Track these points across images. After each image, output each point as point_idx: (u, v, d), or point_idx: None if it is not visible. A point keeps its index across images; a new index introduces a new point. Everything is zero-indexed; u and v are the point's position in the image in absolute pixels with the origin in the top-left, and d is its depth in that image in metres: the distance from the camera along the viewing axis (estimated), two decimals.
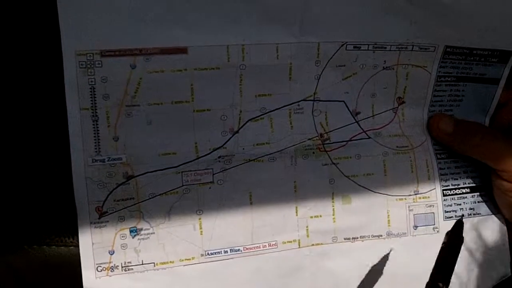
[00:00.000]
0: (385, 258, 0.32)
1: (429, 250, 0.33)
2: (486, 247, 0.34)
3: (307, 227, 0.32)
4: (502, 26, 0.32)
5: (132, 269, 0.29)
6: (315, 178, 0.32)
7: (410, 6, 0.30)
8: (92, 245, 0.28)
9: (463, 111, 0.34)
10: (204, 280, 0.30)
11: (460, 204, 0.34)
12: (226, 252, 0.30)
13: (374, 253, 0.32)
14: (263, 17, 0.28)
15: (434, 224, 0.33)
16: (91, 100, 0.27)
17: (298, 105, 0.31)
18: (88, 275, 0.28)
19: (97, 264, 0.28)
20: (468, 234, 0.34)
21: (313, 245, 0.32)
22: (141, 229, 0.29)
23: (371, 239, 0.32)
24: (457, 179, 0.34)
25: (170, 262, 0.29)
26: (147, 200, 0.29)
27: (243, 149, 0.30)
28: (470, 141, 0.32)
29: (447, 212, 0.34)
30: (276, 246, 0.31)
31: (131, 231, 0.29)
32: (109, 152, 0.28)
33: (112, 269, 0.28)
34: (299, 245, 0.31)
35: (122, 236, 0.28)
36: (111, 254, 0.28)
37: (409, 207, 0.33)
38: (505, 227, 0.35)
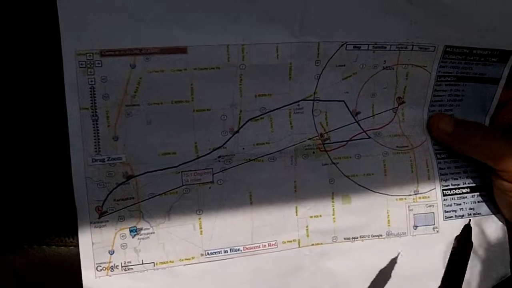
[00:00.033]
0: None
1: (429, 250, 0.33)
2: (486, 247, 0.34)
3: (307, 227, 0.32)
4: (502, 26, 0.32)
5: (132, 268, 0.29)
6: (315, 178, 0.32)
7: (410, 6, 0.30)
8: (92, 244, 0.28)
9: (463, 111, 0.34)
10: (204, 279, 0.30)
11: (460, 204, 0.34)
12: (226, 252, 0.30)
13: (374, 253, 0.32)
14: (263, 17, 0.28)
15: (434, 224, 0.33)
16: (91, 100, 0.27)
17: (298, 105, 0.31)
18: (88, 274, 0.28)
19: (97, 263, 0.28)
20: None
21: (313, 245, 0.32)
22: (141, 229, 0.29)
23: (371, 239, 0.32)
24: (457, 179, 0.34)
25: (170, 261, 0.29)
26: (147, 199, 0.29)
27: (243, 149, 0.30)
28: (470, 141, 0.32)
29: (447, 212, 0.34)
30: (276, 246, 0.31)
31: (131, 231, 0.29)
32: (109, 152, 0.28)
33: (112, 268, 0.28)
34: (299, 245, 0.31)
35: (122, 236, 0.28)
36: (111, 254, 0.28)
37: (409, 207, 0.33)
38: (505, 227, 0.35)
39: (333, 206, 0.32)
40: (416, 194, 0.33)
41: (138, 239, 0.29)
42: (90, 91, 0.27)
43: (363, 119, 0.32)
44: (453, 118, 0.34)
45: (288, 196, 0.31)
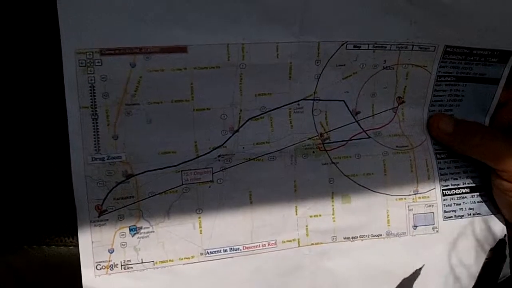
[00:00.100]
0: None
1: (429, 250, 0.33)
2: (486, 247, 0.34)
3: (306, 226, 0.31)
4: (502, 26, 0.32)
5: (131, 267, 0.29)
6: (315, 178, 0.32)
7: (410, 6, 0.30)
8: (92, 243, 0.28)
9: (463, 111, 0.34)
10: (204, 279, 0.30)
11: (459, 204, 0.34)
12: (225, 251, 0.30)
13: (374, 252, 0.32)
14: (263, 17, 0.28)
15: (433, 224, 0.33)
16: (91, 99, 0.27)
17: (298, 104, 0.31)
18: (87, 273, 0.28)
19: (96, 262, 0.28)
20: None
21: (312, 244, 0.32)
22: (141, 228, 0.29)
23: (370, 239, 0.32)
24: (457, 179, 0.34)
25: (170, 260, 0.29)
26: (146, 198, 0.29)
27: (243, 148, 0.30)
28: (470, 141, 0.32)
29: (447, 212, 0.34)
30: (275, 245, 0.31)
31: (130, 230, 0.29)
32: (108, 151, 0.28)
33: (112, 267, 0.28)
34: (298, 244, 0.31)
35: (122, 235, 0.28)
36: (111, 253, 0.28)
37: (408, 206, 0.33)
38: (505, 227, 0.35)
39: (332, 205, 0.32)
40: (415, 194, 0.33)
41: (138, 238, 0.29)
42: (90, 90, 0.27)
43: (363, 118, 0.32)
44: (453, 118, 0.34)
45: (288, 196, 0.31)
